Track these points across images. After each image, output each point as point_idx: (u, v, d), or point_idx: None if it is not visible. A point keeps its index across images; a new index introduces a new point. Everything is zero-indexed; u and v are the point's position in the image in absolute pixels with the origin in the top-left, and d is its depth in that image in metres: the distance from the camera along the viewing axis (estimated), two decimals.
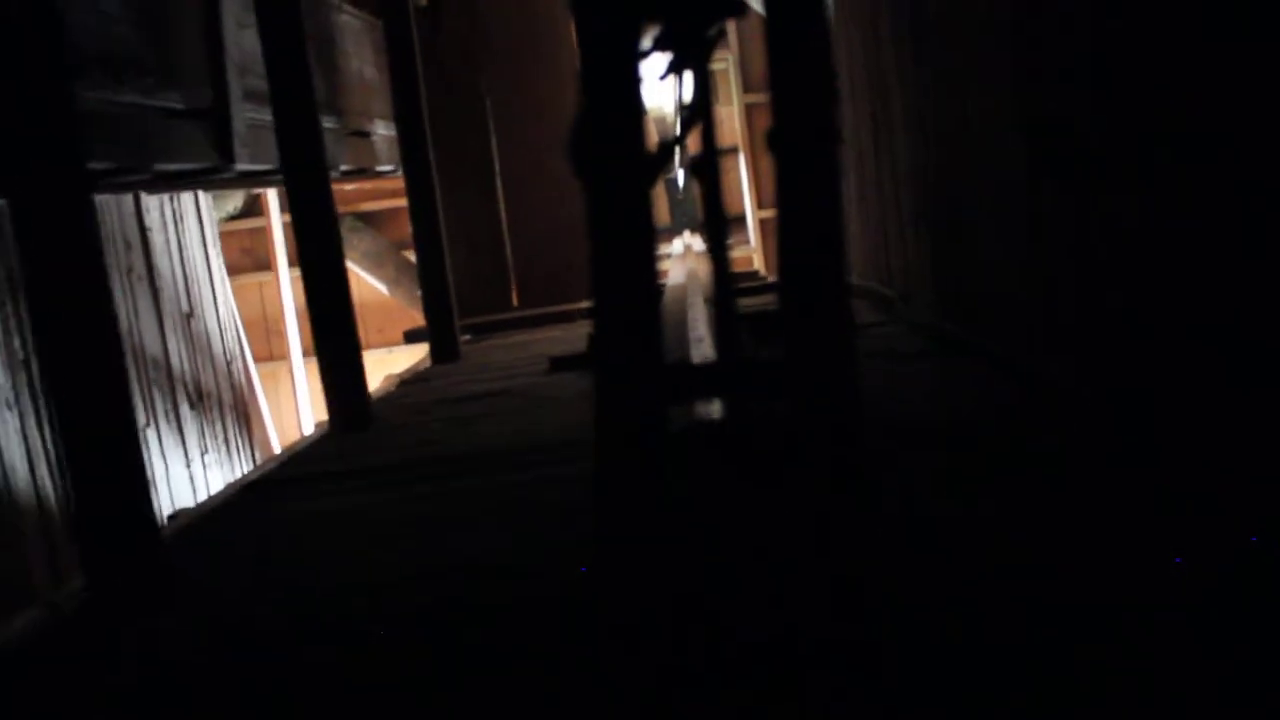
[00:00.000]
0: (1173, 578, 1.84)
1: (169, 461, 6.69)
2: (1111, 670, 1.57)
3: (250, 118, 4.35)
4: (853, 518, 1.85)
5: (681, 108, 3.21)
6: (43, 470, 5.36)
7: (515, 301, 7.86)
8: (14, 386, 5.28)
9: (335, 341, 4.13)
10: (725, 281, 2.98)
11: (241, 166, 4.27)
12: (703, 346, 3.59)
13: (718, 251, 2.93)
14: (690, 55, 2.42)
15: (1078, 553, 2.02)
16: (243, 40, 4.30)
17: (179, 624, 2.33)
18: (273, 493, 3.41)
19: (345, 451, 3.87)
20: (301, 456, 3.86)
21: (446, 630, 2.09)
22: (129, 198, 6.55)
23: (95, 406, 2.36)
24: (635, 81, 1.66)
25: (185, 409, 7.00)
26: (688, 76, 2.75)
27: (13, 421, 5.22)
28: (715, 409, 2.80)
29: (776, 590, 1.85)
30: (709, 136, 2.86)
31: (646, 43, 2.01)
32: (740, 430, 2.61)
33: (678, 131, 3.73)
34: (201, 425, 7.22)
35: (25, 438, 5.29)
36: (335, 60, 5.93)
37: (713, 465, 2.33)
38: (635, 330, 1.69)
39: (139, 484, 2.43)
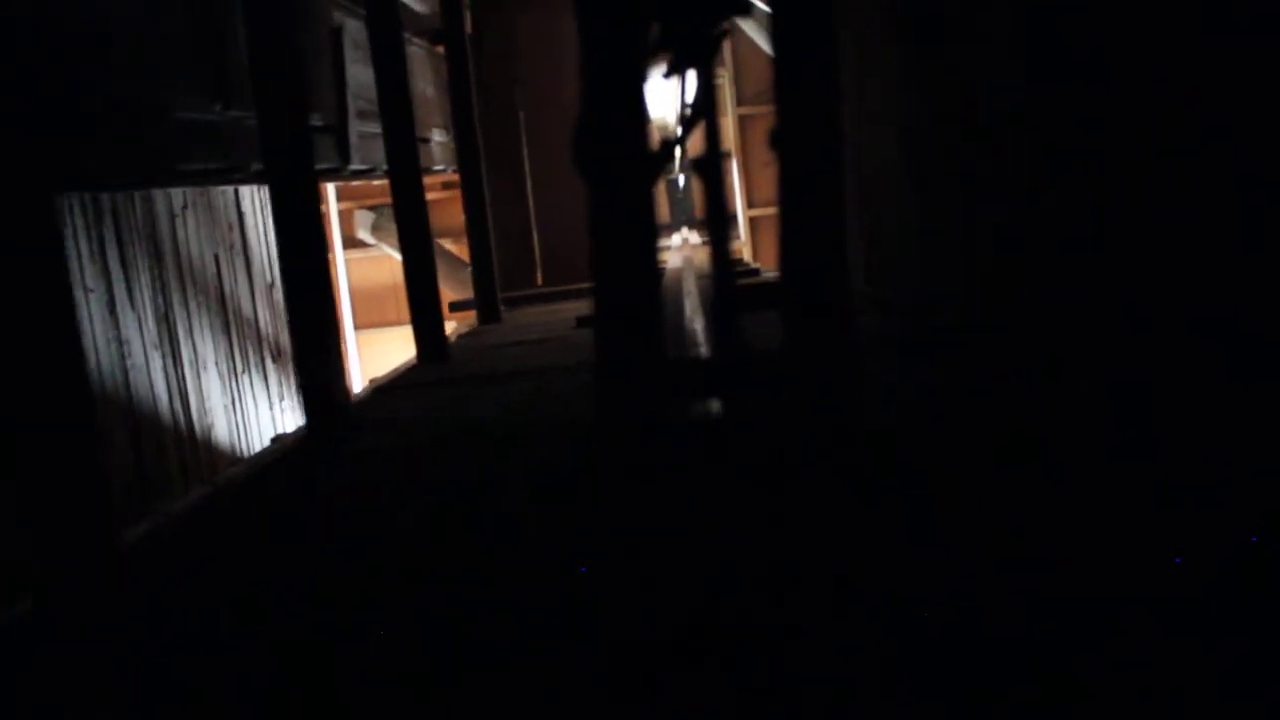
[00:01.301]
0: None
1: (258, 403, 8.19)
2: (1110, 667, 1.58)
3: (360, 130, 5.86)
4: (853, 516, 1.88)
5: (684, 107, 3.32)
6: (177, 401, 6.87)
7: (539, 281, 9.41)
8: (158, 334, 6.79)
9: (424, 297, 5.65)
10: (724, 264, 3.29)
11: (354, 166, 5.79)
12: (691, 298, 5.12)
13: (719, 239, 3.14)
14: (694, 54, 2.40)
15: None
16: (355, 73, 5.82)
17: (364, 441, 3.88)
18: (390, 392, 4.95)
19: (432, 372, 5.40)
20: (404, 375, 5.40)
21: (476, 442, 3.76)
22: (230, 189, 8.05)
23: (317, 314, 3.88)
24: (637, 81, 1.65)
25: (269, 362, 8.50)
26: (690, 76, 2.77)
27: (157, 361, 6.72)
28: (716, 406, 2.94)
29: (777, 587, 1.85)
30: (712, 134, 2.87)
31: (649, 42, 1.96)
32: (740, 429, 2.60)
33: (680, 132, 3.87)
34: (280, 377, 8.72)
35: (166, 374, 6.80)
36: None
37: (713, 463, 2.36)
38: (636, 330, 1.68)
39: (339, 364, 3.96)
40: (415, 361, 5.78)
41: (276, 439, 6.00)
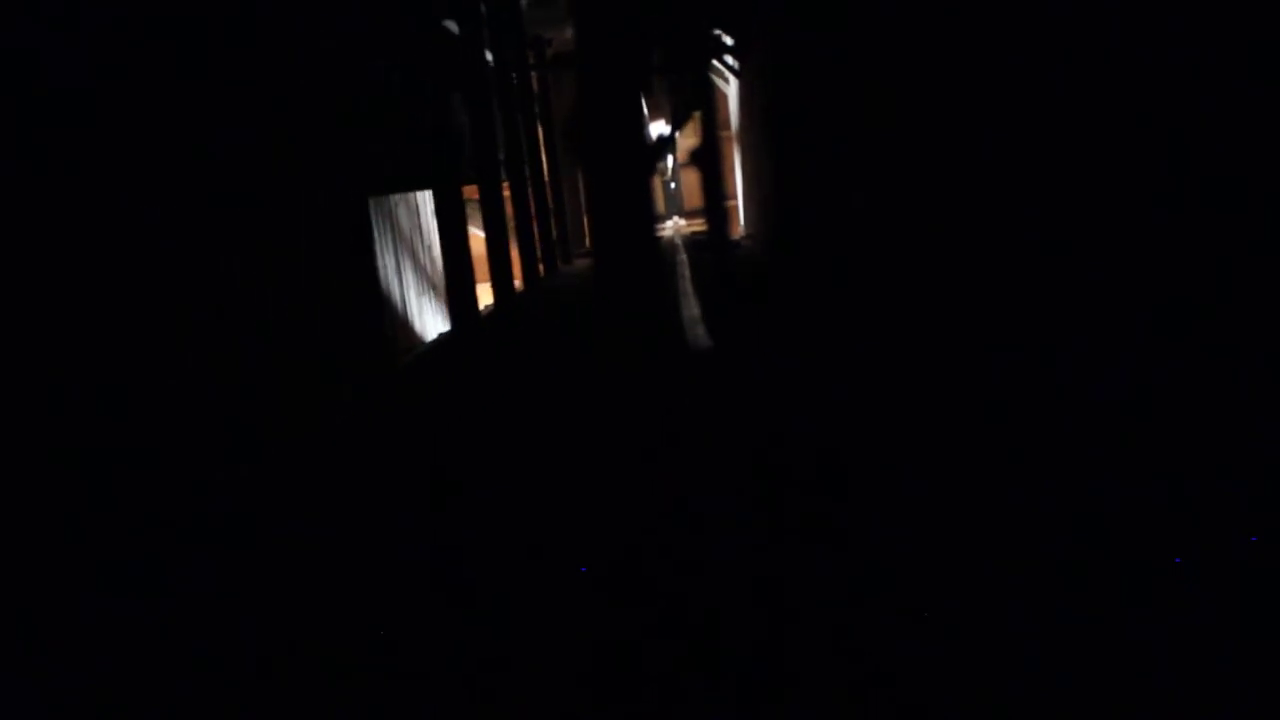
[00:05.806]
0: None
1: (426, 314, 14.04)
2: (1110, 667, 1.66)
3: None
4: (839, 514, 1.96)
5: (675, 99, 3.74)
6: (400, 306, 12.67)
7: (588, 244, 15.27)
8: (395, 268, 12.60)
9: (549, 247, 11.49)
10: (719, 229, 5.60)
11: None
12: (677, 237, 10.97)
13: (716, 216, 4.51)
14: (689, 53, 2.68)
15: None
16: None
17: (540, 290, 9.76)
18: (543, 279, 10.86)
19: (551, 278, 11.26)
20: (545, 278, 11.27)
21: (571, 294, 9.48)
22: (414, 193, 13.88)
23: (530, 237, 9.69)
24: (632, 71, 1.61)
25: (433, 295, 14.32)
26: (684, 74, 3.04)
27: (395, 283, 12.57)
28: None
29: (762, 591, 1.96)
30: (709, 126, 2.88)
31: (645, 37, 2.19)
32: (740, 425, 2.54)
33: (676, 129, 5.05)
34: (437, 304, 14.56)
35: (398, 291, 12.61)
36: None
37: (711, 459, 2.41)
38: (637, 326, 1.65)
39: (537, 265, 9.82)
40: (543, 274, 11.63)
41: (442, 334, 11.83)
